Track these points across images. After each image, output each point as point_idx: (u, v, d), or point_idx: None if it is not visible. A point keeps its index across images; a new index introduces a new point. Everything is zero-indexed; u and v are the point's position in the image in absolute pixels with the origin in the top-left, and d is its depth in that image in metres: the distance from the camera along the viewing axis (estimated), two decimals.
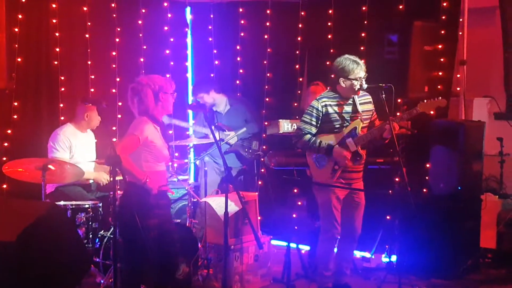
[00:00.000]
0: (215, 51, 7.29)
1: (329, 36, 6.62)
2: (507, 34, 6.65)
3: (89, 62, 6.46)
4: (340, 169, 4.62)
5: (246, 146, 6.30)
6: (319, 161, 4.68)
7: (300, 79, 6.94)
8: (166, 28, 7.10)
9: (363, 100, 4.74)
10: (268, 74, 7.04)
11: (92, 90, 6.47)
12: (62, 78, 6.24)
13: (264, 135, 6.82)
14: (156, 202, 4.03)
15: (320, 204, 4.77)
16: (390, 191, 5.67)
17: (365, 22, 6.36)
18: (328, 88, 4.92)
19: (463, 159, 5.50)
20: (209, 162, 6.28)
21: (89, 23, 6.45)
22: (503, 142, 6.22)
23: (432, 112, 5.87)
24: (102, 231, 5.03)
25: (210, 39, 7.29)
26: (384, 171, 5.58)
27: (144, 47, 6.90)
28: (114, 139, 6.28)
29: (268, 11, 6.99)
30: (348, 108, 4.69)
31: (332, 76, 4.77)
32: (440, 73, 6.01)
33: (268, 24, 6.99)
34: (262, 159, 5.65)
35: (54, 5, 6.19)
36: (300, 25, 6.85)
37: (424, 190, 5.88)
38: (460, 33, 6.09)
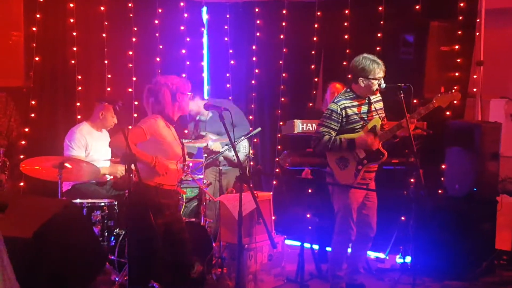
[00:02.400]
0: (231, 51, 7.31)
1: (345, 36, 6.63)
2: None
3: (105, 62, 6.51)
4: (364, 169, 4.60)
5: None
6: (342, 162, 4.60)
7: (316, 79, 6.94)
8: (182, 27, 7.14)
9: (376, 98, 4.69)
10: (283, 74, 7.05)
11: (109, 89, 6.52)
12: (79, 77, 6.30)
13: (279, 135, 6.83)
14: (162, 202, 3.98)
15: (340, 206, 4.67)
16: (405, 192, 5.64)
17: (382, 22, 6.36)
18: (344, 88, 4.89)
19: (479, 160, 5.45)
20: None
21: (106, 23, 6.50)
22: None
23: (448, 113, 5.86)
24: (117, 229, 5.05)
25: (226, 39, 7.32)
26: (399, 171, 5.56)
27: (161, 46, 6.95)
28: None
29: (284, 11, 7.00)
30: (365, 108, 4.64)
31: (350, 75, 4.73)
32: (457, 74, 5.98)
33: (284, 24, 7.01)
34: (277, 159, 5.61)
35: (71, 5, 6.24)
36: (316, 25, 6.86)
37: (439, 191, 5.85)
38: (477, 33, 6.07)
